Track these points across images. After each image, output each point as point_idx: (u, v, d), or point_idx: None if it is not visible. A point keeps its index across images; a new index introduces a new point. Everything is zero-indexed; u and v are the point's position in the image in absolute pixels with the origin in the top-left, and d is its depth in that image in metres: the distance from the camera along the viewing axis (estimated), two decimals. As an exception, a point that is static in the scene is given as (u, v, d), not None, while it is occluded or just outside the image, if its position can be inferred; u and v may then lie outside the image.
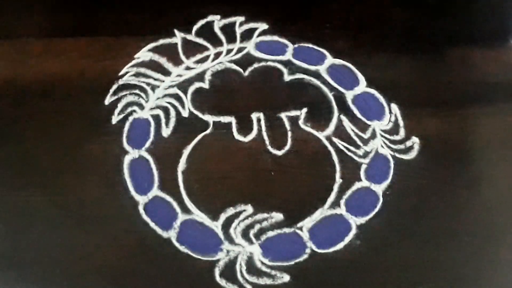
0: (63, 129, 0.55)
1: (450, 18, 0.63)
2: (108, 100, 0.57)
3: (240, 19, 0.62)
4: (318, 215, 0.51)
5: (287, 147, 0.54)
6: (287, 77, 0.58)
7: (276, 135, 0.55)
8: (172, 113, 0.56)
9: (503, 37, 0.62)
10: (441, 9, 0.64)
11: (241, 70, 0.59)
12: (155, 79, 0.58)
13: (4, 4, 0.63)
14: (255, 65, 0.59)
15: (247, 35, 0.61)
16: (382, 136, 0.55)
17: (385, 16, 0.63)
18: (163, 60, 0.59)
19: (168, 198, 0.52)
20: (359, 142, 0.55)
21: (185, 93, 0.57)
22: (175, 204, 0.52)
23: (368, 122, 0.56)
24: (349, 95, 0.58)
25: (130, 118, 0.56)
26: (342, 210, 0.51)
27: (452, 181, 0.53)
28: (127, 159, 0.54)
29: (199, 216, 0.51)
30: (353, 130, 0.55)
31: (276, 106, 0.57)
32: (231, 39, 0.61)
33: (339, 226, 0.51)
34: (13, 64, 0.59)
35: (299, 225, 0.51)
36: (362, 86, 0.58)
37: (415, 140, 0.55)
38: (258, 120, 0.56)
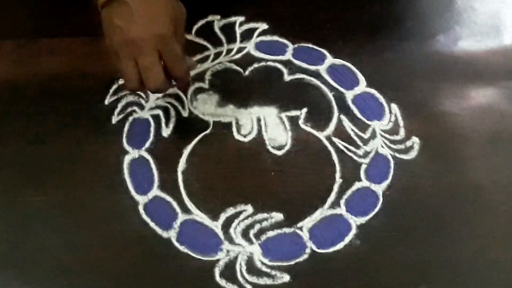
0: (63, 129, 0.55)
1: (450, 19, 0.63)
2: (108, 100, 0.57)
3: (240, 19, 0.62)
4: (318, 215, 0.51)
5: (287, 147, 0.54)
6: (287, 77, 0.58)
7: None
8: (172, 113, 0.56)
9: (504, 38, 0.62)
10: (441, 9, 0.64)
11: (241, 70, 0.59)
12: (155, 79, 0.58)
13: (4, 4, 0.63)
14: (255, 65, 0.59)
15: (247, 35, 0.61)
16: (382, 136, 0.55)
17: (385, 16, 0.63)
18: (163, 60, 0.59)
19: (168, 198, 0.52)
20: (359, 142, 0.55)
21: (185, 93, 0.57)
22: (175, 204, 0.52)
23: (368, 122, 0.56)
24: (349, 95, 0.58)
25: (130, 118, 0.56)
26: (342, 210, 0.51)
27: (452, 181, 0.53)
28: (127, 159, 0.54)
29: (199, 216, 0.51)
30: (353, 130, 0.55)
31: (276, 106, 0.57)
32: (231, 39, 0.61)
33: (339, 226, 0.51)
34: (13, 64, 0.59)
35: (299, 225, 0.51)
36: (362, 86, 0.58)
37: (415, 140, 0.55)
38: (258, 120, 0.56)
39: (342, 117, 0.56)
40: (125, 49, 0.46)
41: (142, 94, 0.57)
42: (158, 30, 0.46)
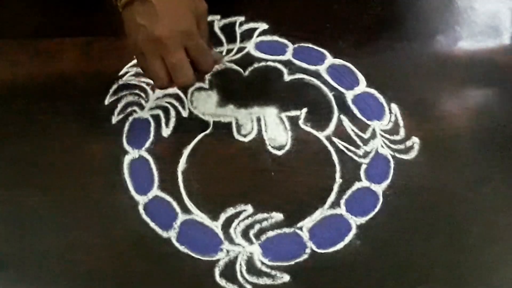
0: (63, 129, 0.55)
1: (450, 19, 0.63)
2: (108, 100, 0.57)
3: (240, 19, 0.62)
4: (318, 215, 0.51)
5: (287, 147, 0.54)
6: (287, 77, 0.58)
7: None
8: (172, 113, 0.56)
9: (504, 38, 0.62)
10: (441, 9, 0.64)
11: (241, 70, 0.59)
12: (155, 79, 0.58)
13: (4, 4, 0.63)
14: (255, 65, 0.59)
15: (247, 35, 0.61)
16: (382, 136, 0.55)
17: (385, 16, 0.63)
18: (163, 60, 0.59)
19: (168, 198, 0.52)
20: (359, 142, 0.55)
21: (185, 93, 0.57)
22: (175, 204, 0.52)
23: (368, 122, 0.56)
24: (349, 95, 0.58)
25: (130, 118, 0.56)
26: (342, 210, 0.51)
27: (452, 181, 0.53)
28: (127, 159, 0.54)
29: (199, 216, 0.51)
30: (353, 130, 0.55)
31: (276, 106, 0.57)
32: (231, 39, 0.61)
33: (339, 226, 0.51)
34: (13, 64, 0.59)
35: (299, 225, 0.51)
36: (362, 86, 0.58)
37: (415, 140, 0.55)
38: (258, 120, 0.56)
39: (342, 117, 0.56)
40: (151, 48, 0.46)
41: (142, 94, 0.57)
42: (182, 27, 0.46)
